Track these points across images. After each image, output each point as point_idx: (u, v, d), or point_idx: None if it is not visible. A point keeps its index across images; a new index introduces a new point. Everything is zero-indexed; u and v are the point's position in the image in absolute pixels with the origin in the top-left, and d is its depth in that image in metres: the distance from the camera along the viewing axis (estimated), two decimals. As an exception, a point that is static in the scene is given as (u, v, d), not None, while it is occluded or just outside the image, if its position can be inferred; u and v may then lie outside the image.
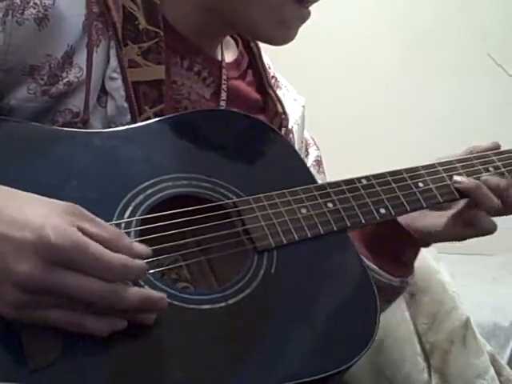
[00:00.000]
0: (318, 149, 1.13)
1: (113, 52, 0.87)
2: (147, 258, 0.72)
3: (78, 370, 0.67)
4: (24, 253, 0.64)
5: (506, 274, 2.20)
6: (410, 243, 1.02)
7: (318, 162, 1.11)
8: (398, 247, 1.02)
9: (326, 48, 2.58)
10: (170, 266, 0.80)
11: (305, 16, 0.94)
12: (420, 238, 1.01)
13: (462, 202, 0.98)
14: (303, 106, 1.12)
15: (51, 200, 0.70)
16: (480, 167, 0.98)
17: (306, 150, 1.11)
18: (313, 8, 0.94)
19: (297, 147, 1.04)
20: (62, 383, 0.67)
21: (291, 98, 1.10)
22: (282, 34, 0.94)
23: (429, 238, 1.01)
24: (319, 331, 0.78)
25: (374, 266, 1.00)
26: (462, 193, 0.96)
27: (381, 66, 2.67)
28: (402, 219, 1.00)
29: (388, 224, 0.98)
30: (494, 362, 1.24)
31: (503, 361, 1.28)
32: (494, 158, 1.00)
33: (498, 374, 1.23)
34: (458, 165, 0.98)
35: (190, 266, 0.85)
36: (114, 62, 0.87)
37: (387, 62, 2.68)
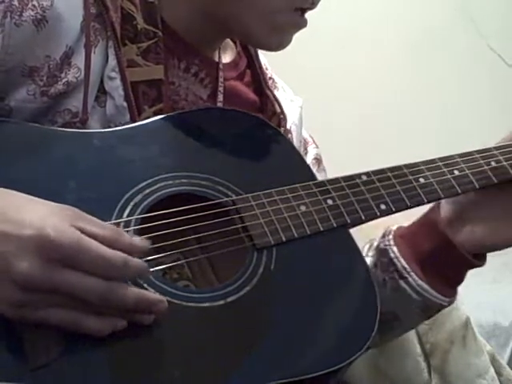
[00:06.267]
0: (317, 147, 1.13)
1: (111, 52, 0.88)
2: (147, 252, 0.72)
3: (79, 368, 0.67)
4: (24, 251, 0.65)
5: (507, 273, 2.20)
6: (464, 266, 1.00)
7: (318, 160, 1.11)
8: (453, 271, 1.00)
9: (326, 48, 2.58)
10: (170, 264, 0.80)
11: (300, 23, 0.95)
12: (482, 251, 0.99)
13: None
14: (300, 107, 1.12)
15: (49, 202, 0.70)
16: (482, 161, 0.97)
17: (305, 149, 1.11)
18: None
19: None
20: (63, 381, 0.67)
21: (288, 99, 1.11)
22: (277, 41, 0.95)
23: (491, 247, 0.99)
24: (320, 328, 0.78)
25: (427, 287, 0.98)
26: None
27: (380, 65, 2.66)
28: (455, 241, 0.98)
29: (444, 247, 0.98)
30: (493, 361, 1.24)
31: (503, 361, 1.28)
32: (495, 152, 0.99)
33: (498, 373, 1.24)
34: (459, 159, 0.97)
35: (191, 265, 0.85)
36: (112, 61, 0.87)
37: (386, 61, 2.68)
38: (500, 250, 0.99)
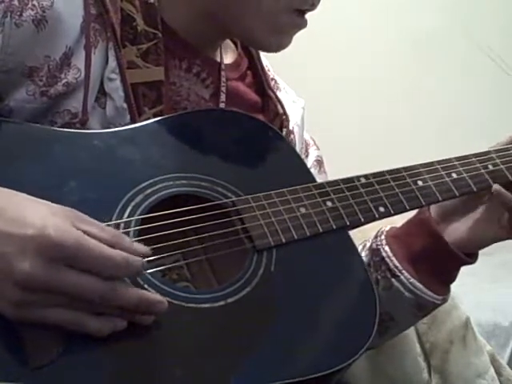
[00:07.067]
0: (318, 149, 1.13)
1: (111, 53, 0.88)
2: (147, 258, 0.72)
3: (79, 368, 0.67)
4: (26, 251, 0.65)
5: (506, 273, 2.21)
6: (456, 263, 1.00)
7: (319, 162, 1.11)
8: (445, 269, 1.00)
9: (327, 50, 2.58)
10: (170, 265, 0.80)
11: (300, 24, 0.95)
12: (471, 250, 0.99)
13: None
14: (303, 108, 1.12)
15: (50, 203, 0.70)
16: (479, 165, 0.98)
17: (306, 151, 1.11)
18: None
19: (297, 148, 1.05)
20: (63, 381, 0.67)
21: (290, 100, 1.11)
22: (276, 42, 0.95)
23: (477, 245, 1.00)
24: (320, 329, 0.78)
25: (419, 285, 0.98)
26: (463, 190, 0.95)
27: (382, 68, 2.67)
28: (449, 239, 0.99)
29: (436, 246, 0.98)
30: (493, 361, 1.24)
31: (503, 361, 1.29)
32: (493, 155, 0.99)
33: (498, 373, 1.24)
34: (456, 163, 0.97)
35: (191, 266, 0.85)
36: (112, 62, 0.88)
37: (388, 64, 2.68)
38: (485, 247, 1.00)
